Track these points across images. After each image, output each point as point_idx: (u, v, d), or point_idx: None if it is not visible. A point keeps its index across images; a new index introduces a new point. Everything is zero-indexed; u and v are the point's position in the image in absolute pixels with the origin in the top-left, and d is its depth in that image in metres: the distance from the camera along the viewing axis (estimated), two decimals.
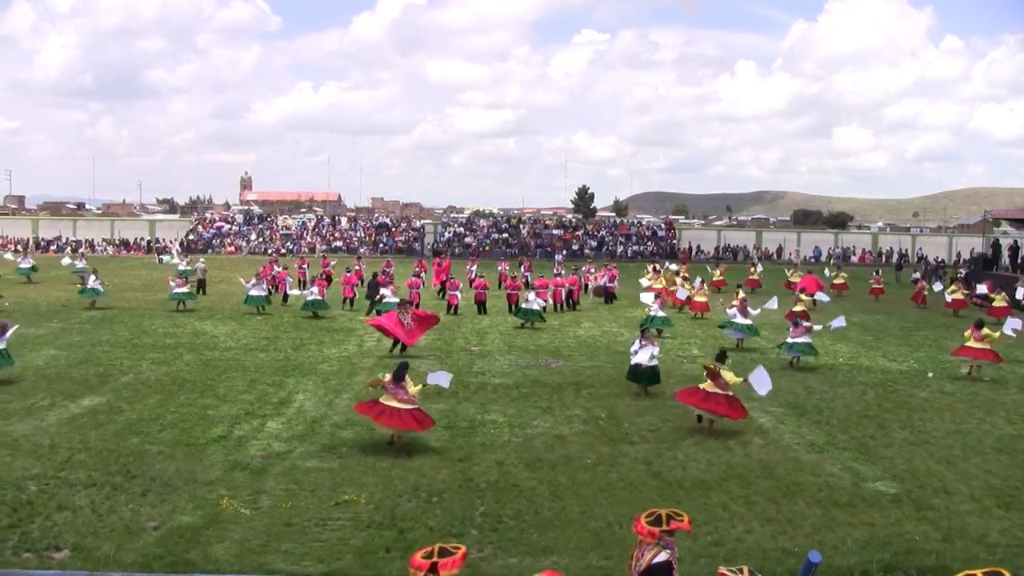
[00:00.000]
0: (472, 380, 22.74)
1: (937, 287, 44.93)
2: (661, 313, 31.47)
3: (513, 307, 35.19)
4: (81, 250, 69.83)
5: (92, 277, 37.87)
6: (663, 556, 8.26)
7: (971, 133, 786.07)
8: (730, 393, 17.85)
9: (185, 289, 36.99)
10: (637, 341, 21.74)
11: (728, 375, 17.91)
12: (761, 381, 17.81)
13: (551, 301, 38.02)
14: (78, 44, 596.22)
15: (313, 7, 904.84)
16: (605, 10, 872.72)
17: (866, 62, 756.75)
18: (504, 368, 24.55)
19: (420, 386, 16.70)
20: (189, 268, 46.33)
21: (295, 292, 38.70)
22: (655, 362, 21.29)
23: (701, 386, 18.19)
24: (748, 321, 29.36)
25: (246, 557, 11.30)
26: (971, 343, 24.76)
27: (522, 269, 46.17)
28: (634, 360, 21.38)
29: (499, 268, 47.97)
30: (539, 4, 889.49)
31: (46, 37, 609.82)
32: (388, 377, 16.26)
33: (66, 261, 51.49)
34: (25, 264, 48.26)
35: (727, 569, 7.61)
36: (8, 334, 21.69)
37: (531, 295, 33.80)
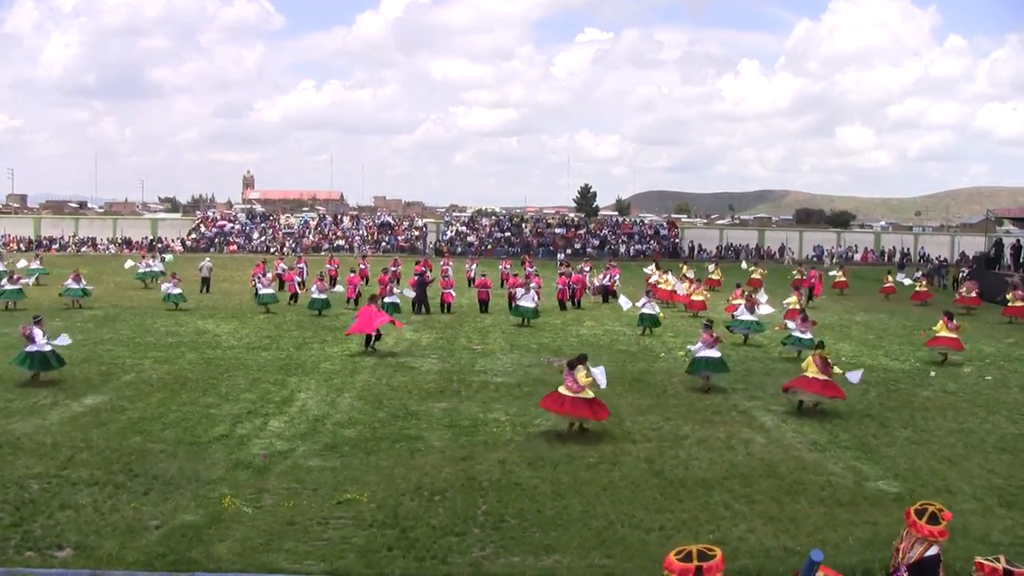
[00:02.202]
0: (474, 379, 22.75)
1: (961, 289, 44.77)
2: (650, 311, 31.66)
3: (511, 305, 35.18)
4: (39, 251, 69.87)
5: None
6: None
7: (974, 132, 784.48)
8: (828, 378, 19.58)
9: (178, 290, 36.91)
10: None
11: (831, 363, 19.92)
12: (855, 377, 20.35)
13: (556, 300, 38.18)
14: (81, 43, 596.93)
15: (317, 6, 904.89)
16: (609, 9, 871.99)
17: (869, 61, 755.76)
18: (506, 367, 24.55)
19: (589, 378, 17.23)
20: (149, 271, 46.56)
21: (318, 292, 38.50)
22: (718, 353, 22.13)
23: (807, 374, 19.79)
24: (754, 318, 29.63)
25: (248, 556, 11.30)
26: (943, 333, 26.91)
27: (525, 267, 46.13)
28: (699, 354, 21.99)
29: (500, 267, 47.96)
30: (543, 3, 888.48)
31: (49, 36, 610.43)
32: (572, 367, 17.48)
33: (22, 264, 49.95)
34: (35, 266, 47.58)
35: (984, 559, 7.62)
36: (39, 338, 21.67)
37: (520, 292, 33.87)
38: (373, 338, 26.48)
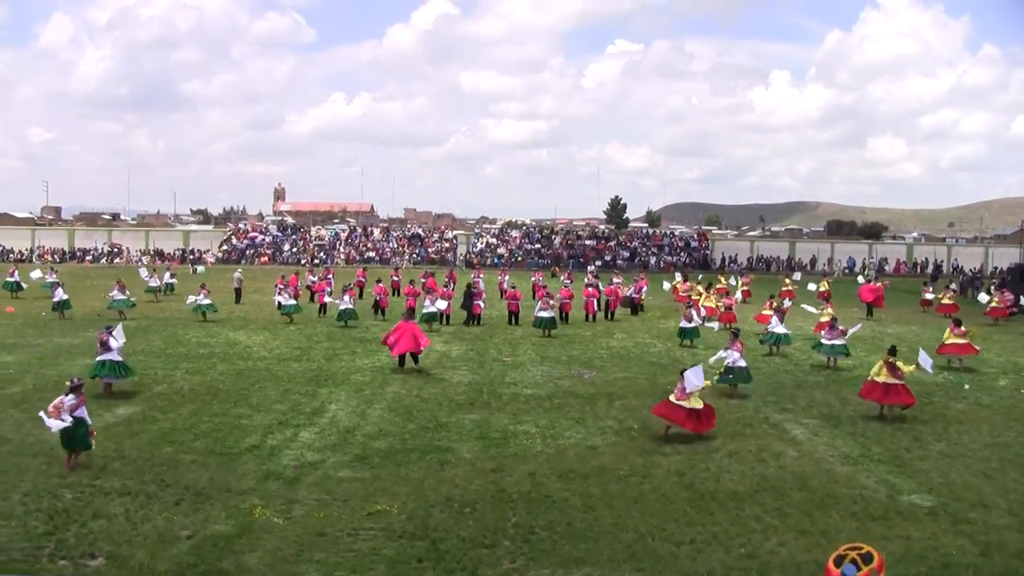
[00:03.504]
0: (504, 391, 22.73)
1: (983, 297, 44.42)
2: (690, 325, 31.82)
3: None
4: (51, 263, 69.86)
5: (60, 290, 38.33)
6: None
7: (1008, 142, 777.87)
8: (903, 382, 20.00)
9: (208, 301, 37.12)
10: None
11: (902, 365, 20.14)
12: (926, 360, 21.06)
13: (584, 312, 38.24)
14: (115, 56, 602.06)
15: (347, 19, 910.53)
16: (639, 21, 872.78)
17: (901, 71, 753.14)
18: (536, 379, 24.51)
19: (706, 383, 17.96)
20: (156, 285, 46.70)
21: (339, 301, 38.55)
22: (742, 363, 22.56)
23: (878, 379, 20.17)
24: (785, 330, 29.73)
25: (279, 566, 11.32)
26: (951, 340, 27.49)
27: (562, 279, 46.10)
28: (726, 362, 22.40)
29: (532, 279, 47.85)
30: (573, 14, 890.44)
31: (84, 50, 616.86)
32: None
33: (36, 275, 49.78)
34: (51, 278, 46.54)
35: None
36: (114, 347, 21.91)
37: (539, 304, 33.94)
38: (413, 356, 26.23)
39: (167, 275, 49.62)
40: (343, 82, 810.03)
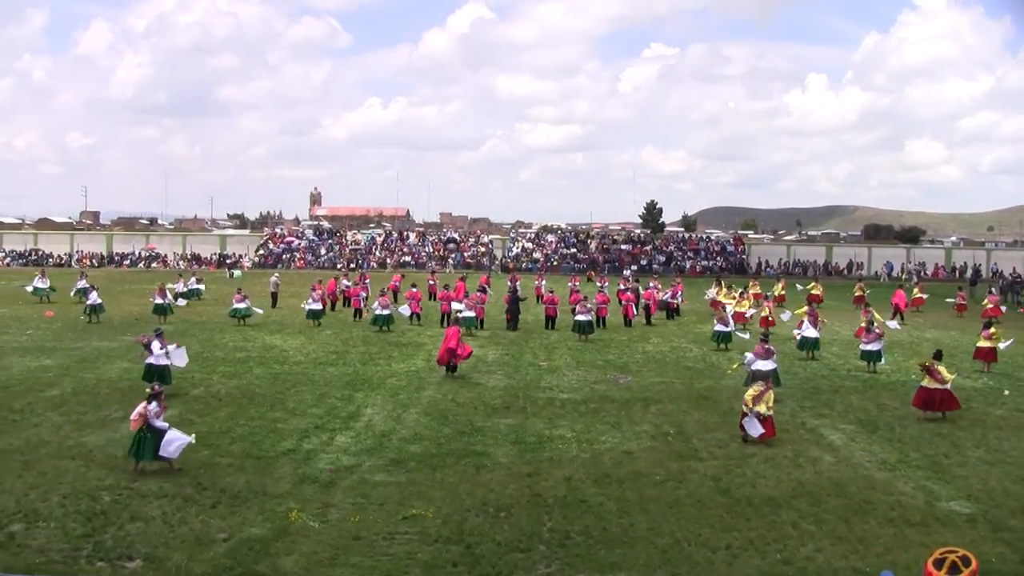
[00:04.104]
0: (540, 395, 22.71)
1: None
2: (725, 329, 31.76)
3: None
4: (81, 268, 68.88)
5: (94, 293, 38.74)
6: None
7: None
8: (947, 387, 20.24)
9: (244, 305, 37.40)
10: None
11: (943, 371, 20.39)
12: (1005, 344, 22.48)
13: (622, 316, 38.17)
14: (152, 62, 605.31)
15: (383, 24, 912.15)
16: (675, 24, 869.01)
17: (940, 74, 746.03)
18: (572, 383, 24.47)
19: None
20: (187, 289, 46.80)
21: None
22: (774, 366, 22.66)
23: (922, 383, 20.57)
24: (816, 335, 29.70)
25: (314, 570, 11.36)
26: (980, 343, 27.87)
27: (598, 283, 46.01)
28: (753, 367, 22.44)
29: (569, 284, 47.70)
30: (609, 19, 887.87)
31: (122, 56, 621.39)
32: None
33: (82, 284, 46.62)
34: (42, 284, 47.08)
35: None
36: (157, 349, 22.25)
37: (577, 308, 33.87)
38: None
39: (193, 280, 49.86)
40: (379, 87, 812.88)
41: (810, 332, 29.55)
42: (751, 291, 43.34)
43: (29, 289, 47.18)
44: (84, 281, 45.72)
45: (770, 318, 36.26)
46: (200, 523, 12.89)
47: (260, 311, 38.23)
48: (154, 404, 15.53)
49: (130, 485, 14.56)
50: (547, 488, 14.86)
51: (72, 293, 44.75)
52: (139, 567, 11.34)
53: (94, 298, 37.95)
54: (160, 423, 15.50)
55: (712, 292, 44.85)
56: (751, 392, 18.14)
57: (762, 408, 17.74)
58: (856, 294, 47.65)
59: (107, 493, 14.16)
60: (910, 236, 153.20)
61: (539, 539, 12.57)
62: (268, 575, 11.19)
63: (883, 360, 26.75)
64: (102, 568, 11.29)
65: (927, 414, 20.39)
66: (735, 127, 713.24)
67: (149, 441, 15.25)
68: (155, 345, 22.02)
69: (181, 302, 40.48)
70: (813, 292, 46.40)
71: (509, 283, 41.59)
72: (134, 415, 15.56)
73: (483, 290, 40.46)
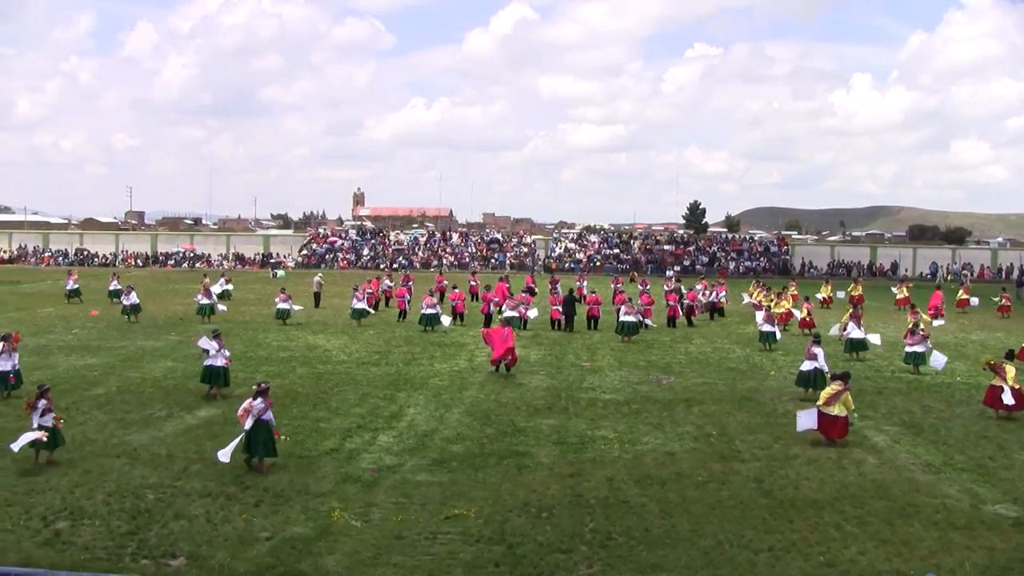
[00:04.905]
0: (583, 396, 22.66)
1: None
2: (767, 328, 31.54)
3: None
4: (114, 270, 66.88)
5: (133, 293, 38.85)
6: None
7: None
8: (1017, 386, 20.19)
9: (287, 305, 37.61)
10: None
11: (1010, 370, 20.43)
12: (938, 361, 22.14)
13: (666, 317, 38.07)
14: (197, 63, 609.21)
15: (427, 24, 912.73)
16: (718, 24, 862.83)
17: (987, 73, 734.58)
18: (615, 384, 24.40)
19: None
20: (220, 291, 46.39)
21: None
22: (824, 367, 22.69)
23: (992, 382, 20.59)
24: (863, 335, 29.46)
25: (356, 569, 11.38)
26: None
27: (639, 285, 45.89)
28: (802, 367, 22.82)
29: (612, 284, 47.52)
30: (652, 19, 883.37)
31: (167, 57, 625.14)
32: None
33: (114, 286, 47.26)
34: (73, 285, 46.83)
35: None
36: (212, 351, 22.37)
37: (623, 308, 33.69)
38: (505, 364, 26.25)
39: (221, 280, 49.92)
40: (422, 87, 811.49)
41: (856, 333, 29.31)
42: (790, 292, 43.00)
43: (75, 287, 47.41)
44: (116, 282, 46.29)
45: (807, 318, 36.03)
46: (243, 522, 12.97)
47: (299, 307, 38.35)
48: (259, 400, 15.66)
49: (174, 484, 14.67)
50: (589, 489, 14.82)
51: (109, 294, 45.34)
52: (182, 565, 11.42)
53: (133, 298, 38.17)
54: (266, 417, 15.79)
55: (749, 297, 44.62)
56: (827, 392, 18.17)
57: (837, 409, 17.74)
58: (901, 296, 47.21)
59: (151, 491, 14.27)
60: (956, 237, 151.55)
61: (581, 540, 12.53)
62: (310, 574, 11.23)
63: (942, 364, 26.12)
64: (146, 566, 11.37)
65: (999, 413, 20.33)
66: (779, 127, 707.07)
67: (260, 436, 15.54)
68: (211, 345, 22.12)
69: (221, 308, 40.31)
70: (854, 293, 46.05)
71: (550, 284, 41.60)
72: (240, 411, 15.76)
73: (531, 291, 40.42)
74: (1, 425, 18.10)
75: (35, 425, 15.46)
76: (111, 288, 45.71)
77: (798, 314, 36.61)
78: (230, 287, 49.90)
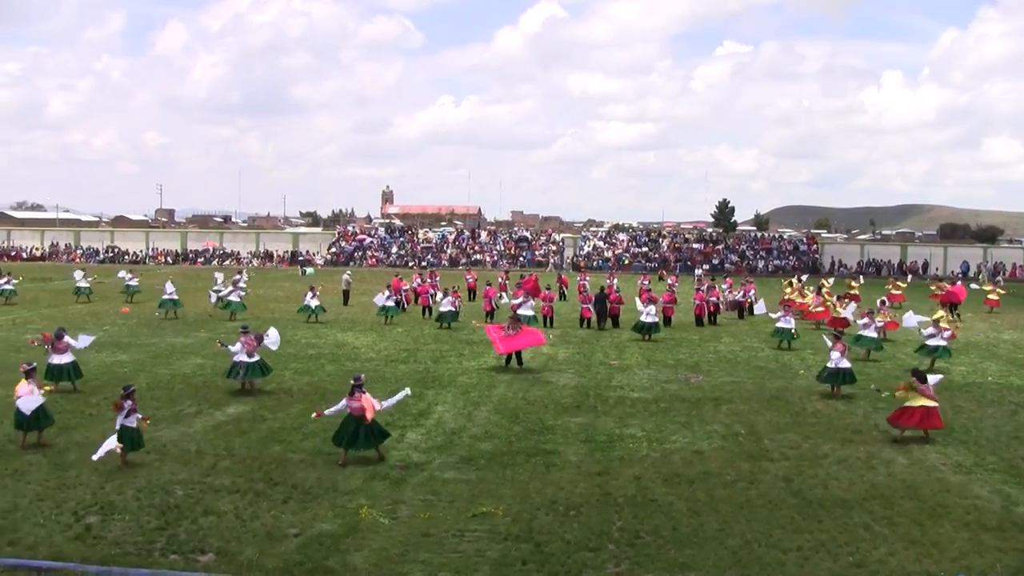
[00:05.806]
0: (611, 394, 22.62)
1: None
2: (785, 324, 31.75)
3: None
4: (130, 266, 68.80)
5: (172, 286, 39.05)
6: None
7: None
8: None
9: (316, 302, 37.80)
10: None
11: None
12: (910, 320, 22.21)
13: (693, 315, 37.96)
14: (227, 62, 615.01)
15: (456, 22, 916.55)
16: (749, 22, 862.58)
17: (1019, 70, 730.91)
18: (643, 382, 24.35)
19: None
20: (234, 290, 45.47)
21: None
22: (847, 364, 22.68)
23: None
24: (875, 335, 29.64)
25: (384, 566, 11.40)
26: None
27: (669, 282, 45.76)
28: (831, 364, 22.54)
29: (639, 283, 47.44)
30: (682, 17, 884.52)
31: (197, 56, 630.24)
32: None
33: (123, 274, 49.76)
34: (84, 283, 46.25)
35: None
36: (266, 342, 23.11)
37: (642, 307, 33.58)
38: (518, 357, 26.29)
39: (238, 277, 49.54)
40: (451, 85, 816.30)
41: (869, 332, 29.20)
42: (824, 289, 42.81)
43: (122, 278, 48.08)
44: (128, 275, 47.27)
45: (841, 315, 35.79)
46: (272, 518, 13.03)
47: (318, 303, 38.35)
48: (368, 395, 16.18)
49: (203, 480, 14.75)
50: (617, 487, 14.80)
51: (125, 289, 45.70)
52: (211, 561, 11.48)
53: (170, 290, 38.40)
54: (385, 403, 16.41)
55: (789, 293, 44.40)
56: (901, 391, 18.30)
57: (921, 401, 17.89)
58: (935, 292, 46.88)
59: (180, 487, 14.36)
60: (987, 235, 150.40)
61: (609, 538, 12.52)
62: (338, 571, 11.26)
63: (914, 323, 26.45)
64: (175, 561, 11.43)
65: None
66: (809, 125, 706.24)
67: (364, 430, 15.90)
68: (236, 346, 22.21)
69: (235, 295, 40.16)
70: (893, 292, 45.77)
71: (580, 281, 41.52)
72: (368, 410, 15.95)
73: (561, 293, 40.34)
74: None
75: (118, 426, 15.51)
76: (128, 282, 46.16)
77: (851, 317, 36.19)
78: (244, 284, 46.35)
